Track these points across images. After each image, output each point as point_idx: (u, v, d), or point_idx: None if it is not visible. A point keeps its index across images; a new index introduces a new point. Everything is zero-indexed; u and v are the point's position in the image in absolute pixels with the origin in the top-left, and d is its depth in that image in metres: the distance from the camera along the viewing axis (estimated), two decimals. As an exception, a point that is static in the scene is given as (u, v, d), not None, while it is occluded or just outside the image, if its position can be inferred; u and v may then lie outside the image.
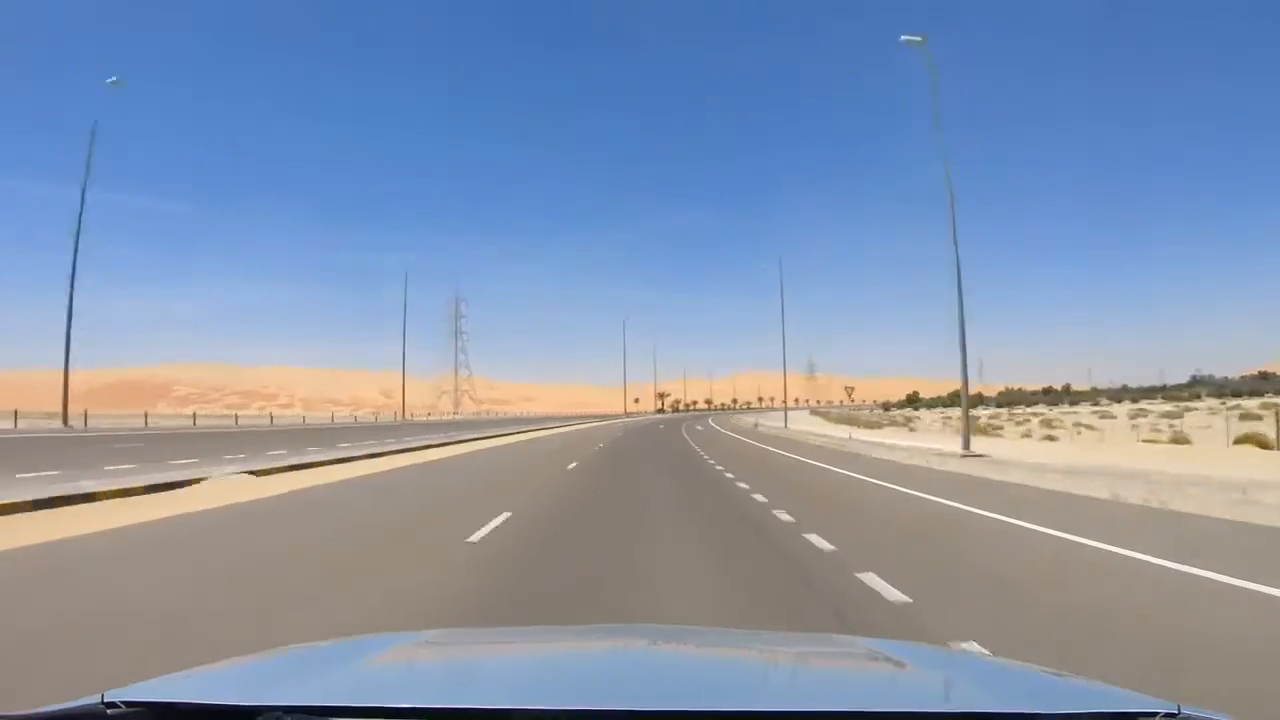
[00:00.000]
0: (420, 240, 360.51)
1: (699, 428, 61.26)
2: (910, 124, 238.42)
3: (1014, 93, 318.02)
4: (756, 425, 60.49)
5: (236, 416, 73.81)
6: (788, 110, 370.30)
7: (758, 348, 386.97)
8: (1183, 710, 1.42)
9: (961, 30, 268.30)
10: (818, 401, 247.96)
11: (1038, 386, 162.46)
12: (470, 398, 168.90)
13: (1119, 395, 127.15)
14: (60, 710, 1.42)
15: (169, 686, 1.58)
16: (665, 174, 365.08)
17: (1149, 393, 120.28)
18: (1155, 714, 1.41)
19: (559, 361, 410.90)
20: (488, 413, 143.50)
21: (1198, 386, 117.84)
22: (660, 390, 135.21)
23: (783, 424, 58.27)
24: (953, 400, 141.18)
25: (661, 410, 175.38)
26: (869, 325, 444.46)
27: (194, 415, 65.22)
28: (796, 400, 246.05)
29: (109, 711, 1.40)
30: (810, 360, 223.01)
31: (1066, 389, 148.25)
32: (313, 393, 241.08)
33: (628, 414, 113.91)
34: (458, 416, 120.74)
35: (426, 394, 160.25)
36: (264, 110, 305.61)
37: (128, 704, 1.41)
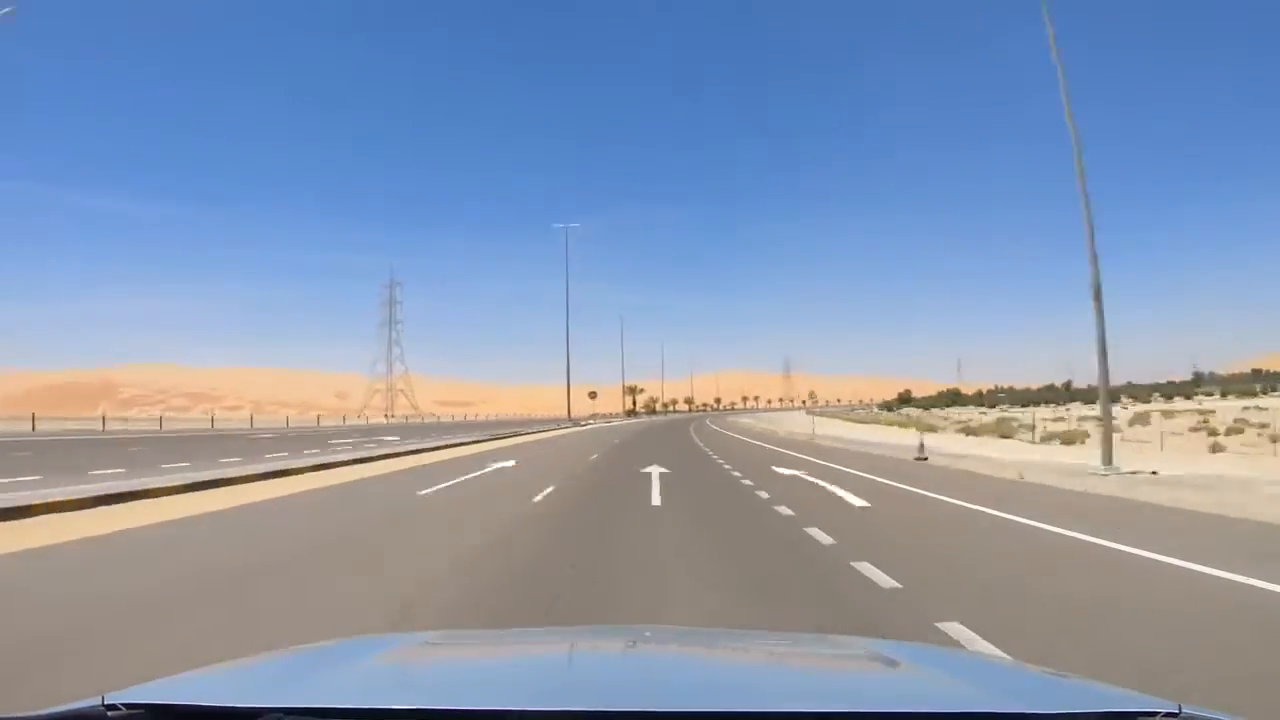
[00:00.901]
0: (387, 241, 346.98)
1: (723, 440, 41.85)
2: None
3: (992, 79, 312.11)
4: (791, 434, 46.20)
5: (161, 420, 67.52)
6: (757, 103, 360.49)
7: (728, 346, 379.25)
8: (1184, 710, 1.41)
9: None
10: (802, 401, 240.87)
11: (1033, 385, 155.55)
12: (407, 399, 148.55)
13: (1137, 393, 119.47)
14: (60, 712, 1.42)
15: (169, 688, 1.59)
16: (630, 170, 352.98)
17: (1167, 389, 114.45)
18: (1156, 714, 1.40)
19: (528, 361, 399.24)
20: (423, 419, 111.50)
21: (1211, 384, 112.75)
22: (634, 386, 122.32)
23: (809, 429, 48.72)
24: (952, 399, 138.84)
25: (633, 412, 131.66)
26: (838, 325, 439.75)
27: (103, 419, 57.81)
28: (769, 401, 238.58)
29: (109, 713, 1.40)
30: (786, 359, 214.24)
31: (1067, 386, 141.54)
32: (264, 395, 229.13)
33: (593, 417, 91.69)
34: (391, 421, 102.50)
35: (378, 396, 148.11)
36: (221, 102, 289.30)
37: (128, 706, 1.41)
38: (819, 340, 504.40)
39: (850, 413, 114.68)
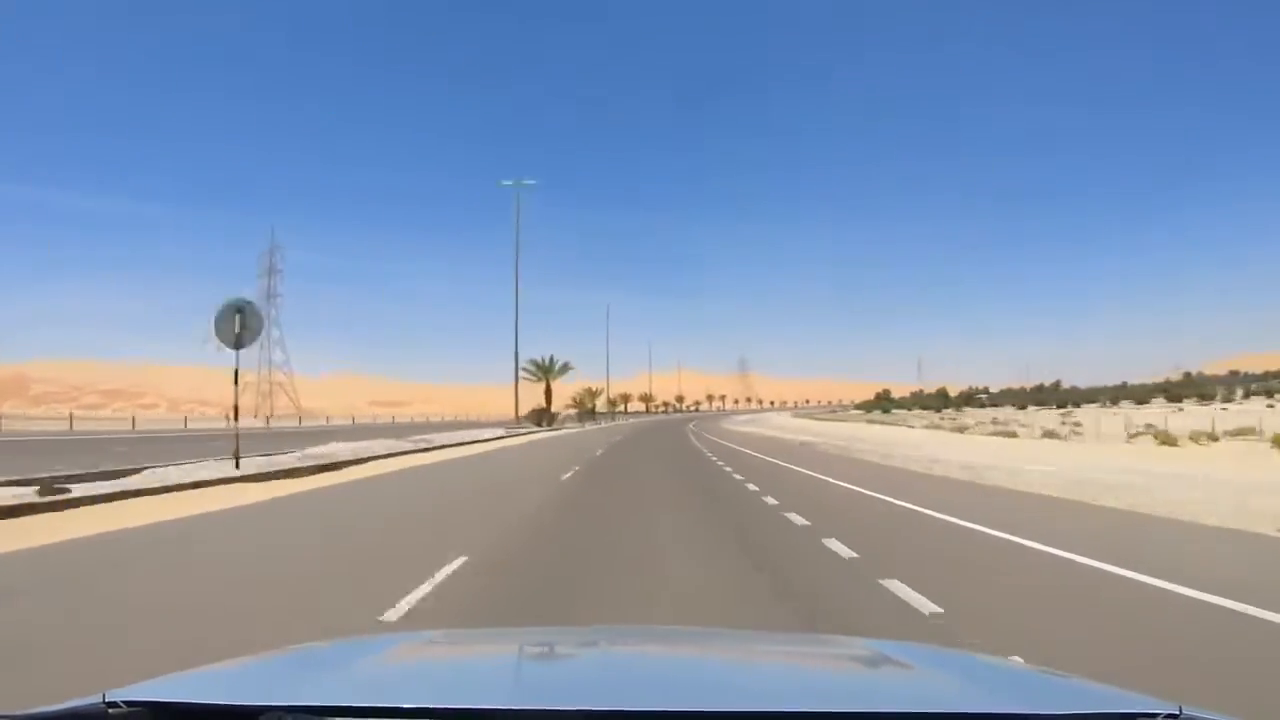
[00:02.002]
0: (319, 233, 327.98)
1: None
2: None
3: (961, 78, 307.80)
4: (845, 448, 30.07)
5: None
6: (716, 102, 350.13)
7: (679, 347, 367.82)
8: (1184, 711, 1.40)
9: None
10: (771, 403, 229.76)
11: (1016, 386, 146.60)
12: (288, 396, 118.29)
13: (1112, 395, 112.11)
14: (61, 710, 1.41)
15: (170, 686, 1.58)
16: (580, 171, 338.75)
17: (1137, 393, 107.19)
18: (1156, 715, 1.40)
19: (474, 363, 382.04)
20: (298, 423, 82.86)
21: (1197, 385, 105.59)
22: (590, 389, 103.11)
23: (841, 437, 37.62)
24: (943, 401, 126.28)
25: (586, 410, 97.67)
26: (789, 327, 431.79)
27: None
28: (738, 401, 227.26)
29: (110, 711, 1.39)
30: (742, 359, 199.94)
31: (1056, 386, 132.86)
32: (185, 393, 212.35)
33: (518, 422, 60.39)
34: (253, 423, 73.50)
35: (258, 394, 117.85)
36: (128, 84, 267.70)
37: (128, 704, 1.41)
38: (770, 342, 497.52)
39: (835, 415, 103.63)
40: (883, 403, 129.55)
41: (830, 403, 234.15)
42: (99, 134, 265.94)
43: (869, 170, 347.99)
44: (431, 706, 1.42)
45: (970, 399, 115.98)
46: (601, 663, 2.23)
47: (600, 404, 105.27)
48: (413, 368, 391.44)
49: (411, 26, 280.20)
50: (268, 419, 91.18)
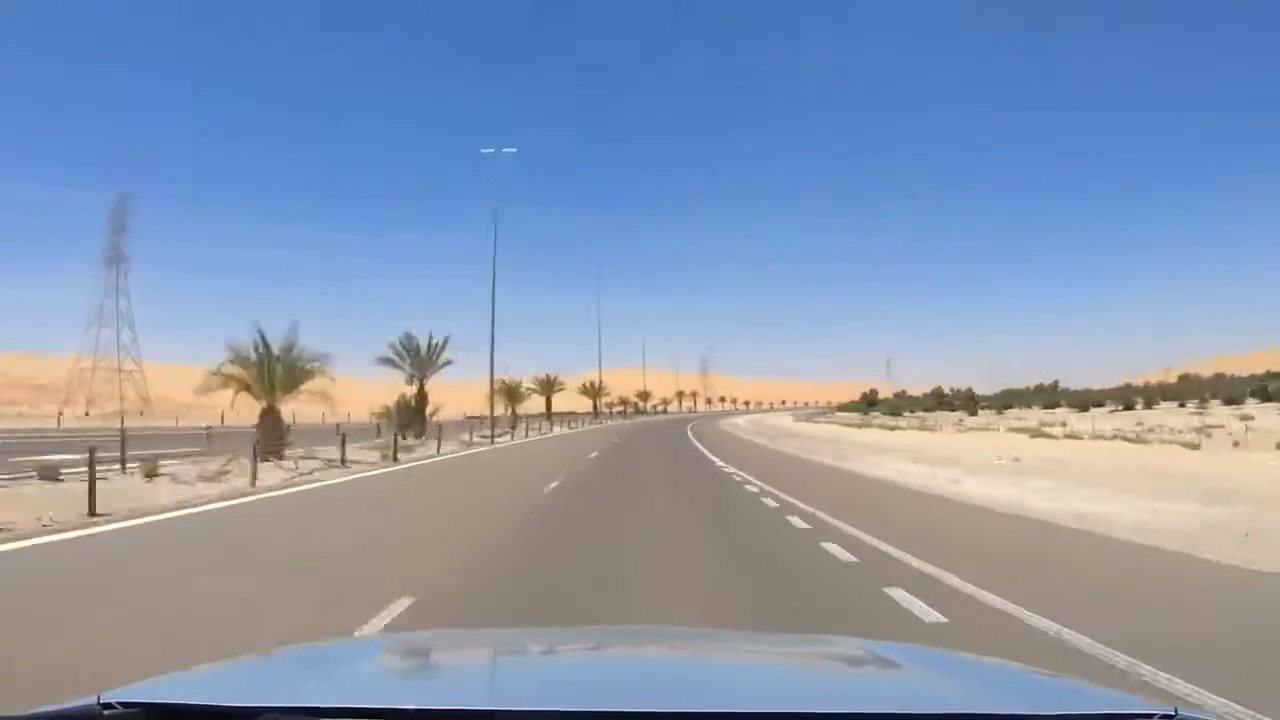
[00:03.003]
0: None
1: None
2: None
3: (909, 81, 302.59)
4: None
5: None
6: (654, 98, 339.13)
7: (631, 345, 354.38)
8: (1180, 712, 1.42)
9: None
10: (745, 403, 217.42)
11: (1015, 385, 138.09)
12: (135, 388, 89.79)
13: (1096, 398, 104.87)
14: (57, 711, 1.41)
15: (166, 687, 1.57)
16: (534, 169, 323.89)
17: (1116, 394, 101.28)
18: (1152, 715, 1.41)
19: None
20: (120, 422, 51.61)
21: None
22: (527, 383, 77.70)
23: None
24: (938, 401, 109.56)
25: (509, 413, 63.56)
26: (749, 327, 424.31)
27: None
28: (711, 402, 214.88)
29: (105, 712, 1.38)
30: (704, 359, 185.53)
31: (1054, 386, 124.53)
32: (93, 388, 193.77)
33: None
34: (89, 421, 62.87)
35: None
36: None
37: (124, 705, 1.40)
38: (731, 342, 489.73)
39: (824, 417, 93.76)
40: (868, 404, 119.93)
41: (806, 403, 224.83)
42: None
43: (832, 167, 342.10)
44: (430, 707, 1.43)
45: (971, 400, 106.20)
46: (600, 663, 2.25)
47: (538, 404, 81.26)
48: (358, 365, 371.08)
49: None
50: (98, 413, 74.68)
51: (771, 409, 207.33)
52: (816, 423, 69.98)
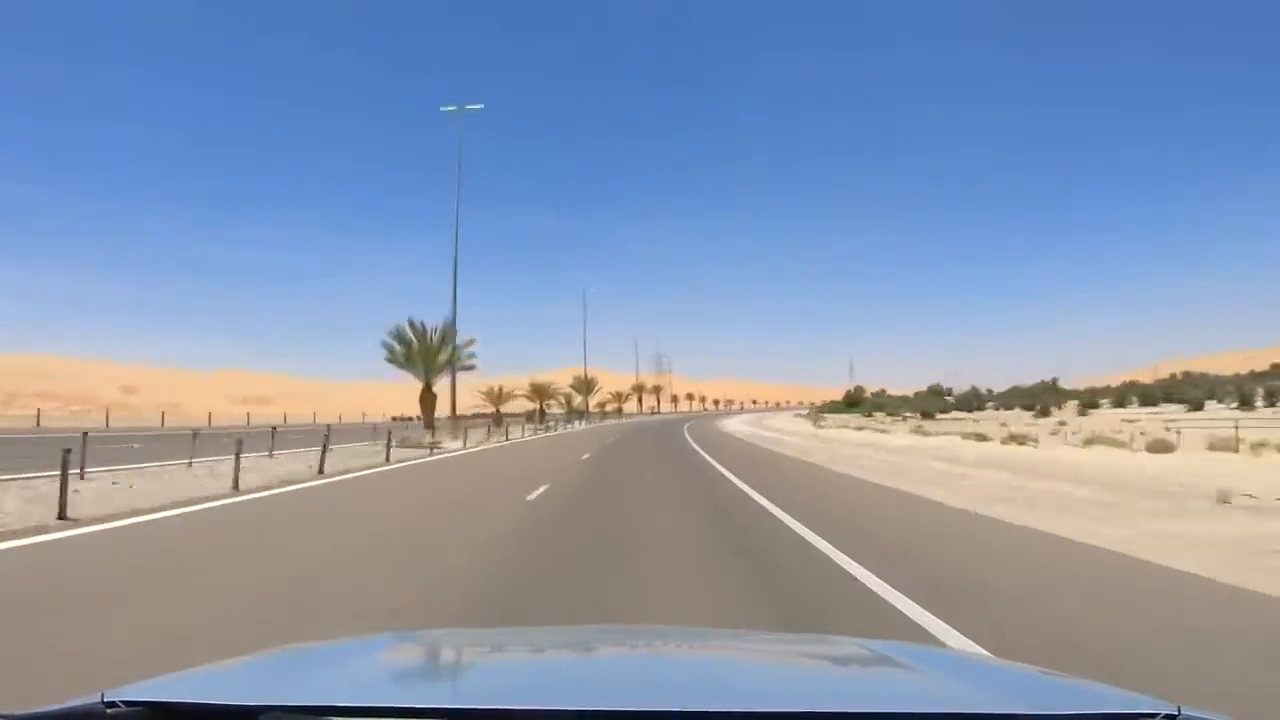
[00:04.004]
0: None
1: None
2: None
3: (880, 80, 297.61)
4: None
5: None
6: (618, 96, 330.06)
7: (584, 343, 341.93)
8: (1183, 711, 1.40)
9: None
10: (714, 403, 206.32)
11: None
12: None
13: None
14: (59, 710, 1.41)
15: (168, 686, 1.57)
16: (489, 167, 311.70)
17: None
18: (1155, 715, 1.40)
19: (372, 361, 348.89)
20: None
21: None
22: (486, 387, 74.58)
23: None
24: (933, 400, 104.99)
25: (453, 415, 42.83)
26: (706, 326, 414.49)
27: None
28: (690, 401, 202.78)
29: (108, 711, 1.39)
30: (658, 358, 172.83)
31: (1054, 384, 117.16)
32: (18, 385, 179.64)
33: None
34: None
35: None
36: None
37: (127, 703, 1.40)
38: (688, 342, 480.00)
39: (816, 418, 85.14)
40: (850, 404, 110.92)
41: (777, 404, 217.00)
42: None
43: (792, 168, 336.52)
44: (430, 706, 1.43)
45: (975, 399, 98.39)
46: (600, 663, 2.22)
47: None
48: (286, 359, 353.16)
49: None
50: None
51: (743, 409, 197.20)
52: (849, 430, 52.62)
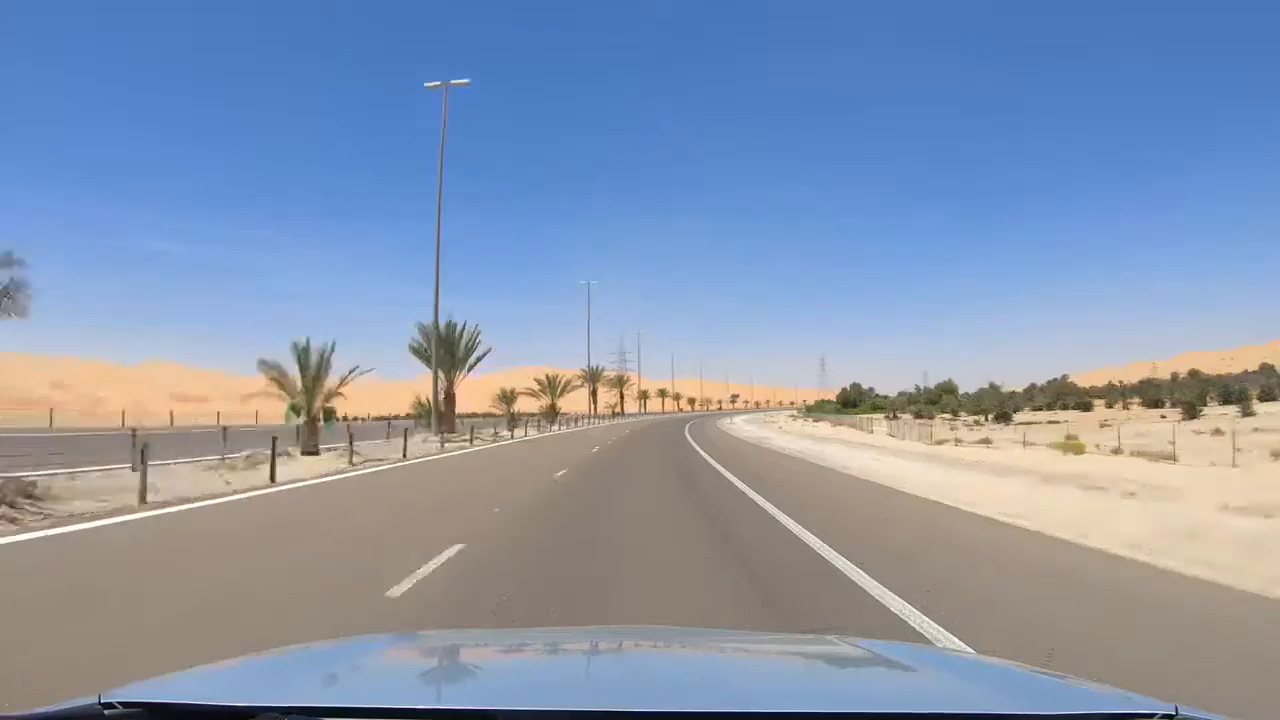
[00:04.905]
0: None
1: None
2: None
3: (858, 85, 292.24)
4: None
5: None
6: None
7: (534, 344, 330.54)
8: (1180, 711, 1.40)
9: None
10: (689, 403, 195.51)
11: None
12: None
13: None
14: (57, 711, 1.40)
15: (167, 687, 1.57)
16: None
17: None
18: (1153, 715, 1.39)
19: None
20: None
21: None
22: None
23: None
24: (933, 400, 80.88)
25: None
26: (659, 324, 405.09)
27: None
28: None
29: (106, 712, 1.38)
30: (621, 353, 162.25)
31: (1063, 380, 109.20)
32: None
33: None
34: None
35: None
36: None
37: (125, 704, 1.39)
38: (649, 340, 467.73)
39: (846, 428, 76.28)
40: (844, 404, 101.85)
41: (757, 404, 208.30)
42: None
43: (761, 167, 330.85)
44: (430, 707, 1.44)
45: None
46: (599, 663, 2.22)
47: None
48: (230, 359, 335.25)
49: None
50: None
51: (721, 409, 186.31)
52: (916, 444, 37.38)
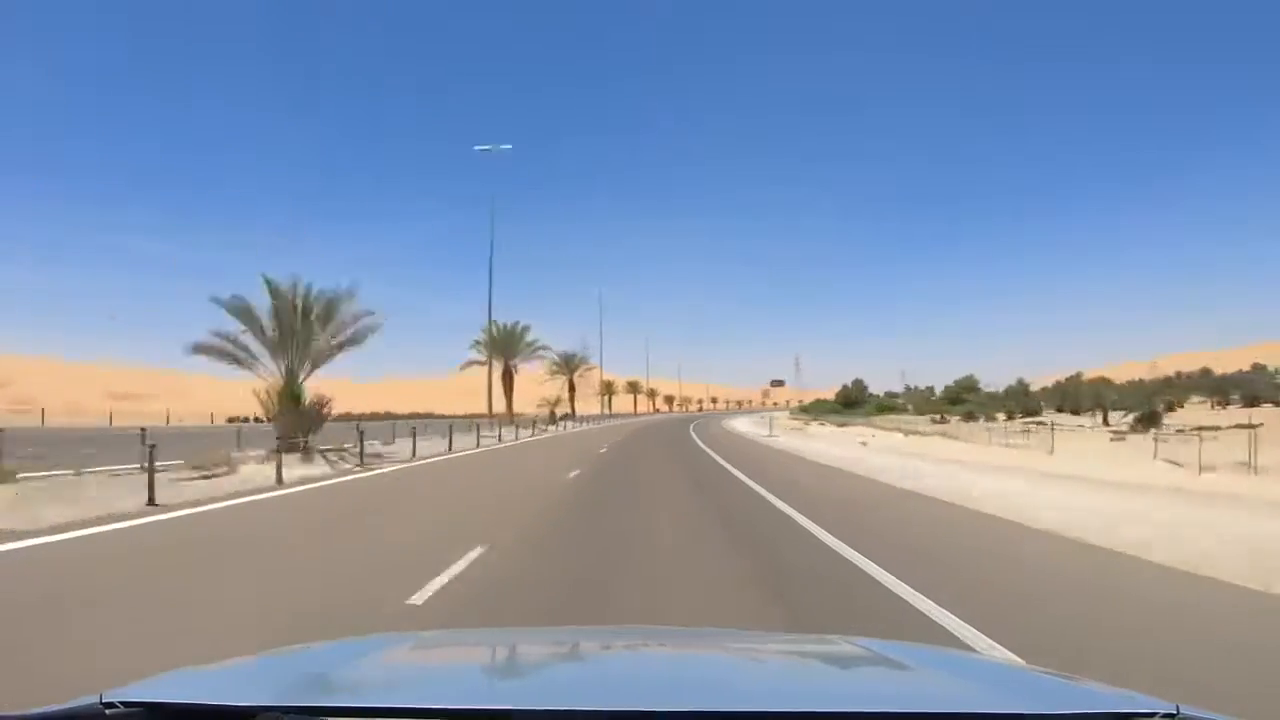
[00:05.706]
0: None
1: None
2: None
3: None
4: None
5: None
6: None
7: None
8: (1181, 710, 1.40)
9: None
10: (672, 402, 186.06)
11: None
12: None
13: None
14: (58, 711, 1.40)
15: (167, 686, 1.56)
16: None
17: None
18: (1154, 714, 1.39)
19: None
20: None
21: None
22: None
23: None
24: (952, 399, 77.24)
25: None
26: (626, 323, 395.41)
27: None
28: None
29: (107, 711, 1.38)
30: (583, 338, 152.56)
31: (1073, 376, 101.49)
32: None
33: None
34: None
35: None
36: None
37: (126, 704, 1.39)
38: (615, 339, 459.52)
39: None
40: (845, 405, 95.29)
41: (739, 403, 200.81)
42: None
43: (731, 165, 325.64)
44: (429, 707, 1.42)
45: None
46: (600, 663, 2.20)
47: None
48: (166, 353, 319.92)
49: None
50: None
51: (701, 409, 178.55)
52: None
